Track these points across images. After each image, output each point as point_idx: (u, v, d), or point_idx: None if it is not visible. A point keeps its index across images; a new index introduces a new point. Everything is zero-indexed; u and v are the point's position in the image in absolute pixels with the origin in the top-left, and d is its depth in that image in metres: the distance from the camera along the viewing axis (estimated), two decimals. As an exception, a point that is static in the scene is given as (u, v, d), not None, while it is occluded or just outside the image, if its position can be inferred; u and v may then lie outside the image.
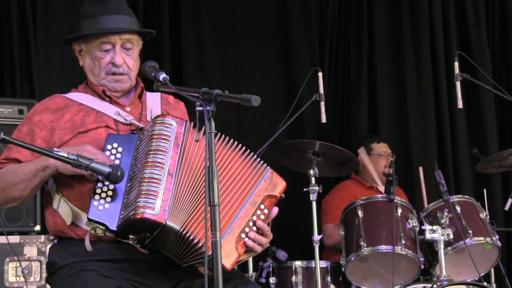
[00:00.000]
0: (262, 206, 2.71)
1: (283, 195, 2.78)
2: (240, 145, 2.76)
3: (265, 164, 2.78)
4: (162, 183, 2.56)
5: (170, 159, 2.61)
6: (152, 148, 2.63)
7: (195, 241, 2.55)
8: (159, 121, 2.70)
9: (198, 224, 2.57)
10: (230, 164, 2.71)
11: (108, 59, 2.84)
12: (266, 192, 2.74)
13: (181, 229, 2.55)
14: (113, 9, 2.84)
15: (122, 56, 2.84)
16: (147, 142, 2.66)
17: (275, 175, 2.78)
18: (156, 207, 2.51)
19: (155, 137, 2.65)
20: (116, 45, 2.83)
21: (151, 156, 2.61)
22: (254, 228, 2.68)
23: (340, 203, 4.91)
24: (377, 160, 5.23)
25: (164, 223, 2.52)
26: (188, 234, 2.55)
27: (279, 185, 2.77)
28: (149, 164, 2.59)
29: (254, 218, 2.69)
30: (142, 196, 2.53)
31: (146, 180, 2.56)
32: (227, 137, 2.74)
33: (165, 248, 2.63)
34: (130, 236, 2.58)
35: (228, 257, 2.59)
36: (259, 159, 2.77)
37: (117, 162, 2.66)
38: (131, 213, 2.53)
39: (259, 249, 2.70)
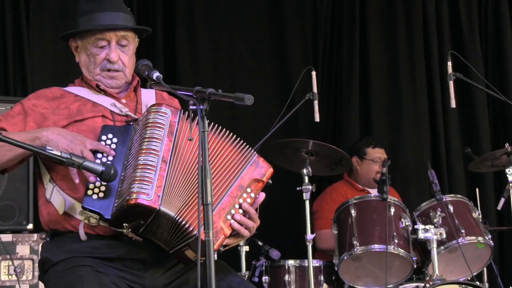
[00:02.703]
0: (249, 190, 2.72)
1: (270, 181, 2.79)
2: (227, 131, 2.76)
3: (252, 150, 2.79)
4: (156, 169, 2.57)
5: (164, 146, 2.63)
6: (147, 136, 2.64)
7: (188, 226, 2.56)
8: (153, 110, 2.71)
9: (191, 210, 2.58)
10: (216, 149, 2.71)
11: (103, 56, 2.85)
12: (252, 177, 2.74)
13: (175, 215, 2.55)
14: (110, 6, 2.86)
15: (117, 52, 2.85)
16: (142, 130, 2.68)
17: (262, 160, 2.79)
18: (150, 192, 2.52)
19: (149, 125, 2.66)
20: (112, 42, 2.84)
21: (145, 144, 2.62)
22: (240, 211, 2.69)
23: (333, 205, 4.91)
24: (369, 165, 5.23)
25: (158, 208, 2.53)
26: (181, 220, 2.56)
27: (266, 170, 2.78)
28: (143, 151, 2.61)
29: (240, 200, 2.69)
30: (136, 182, 2.54)
31: (140, 167, 2.57)
32: (215, 124, 2.74)
33: (157, 236, 2.64)
34: (124, 224, 2.58)
35: (214, 237, 2.58)
36: (245, 144, 2.78)
37: (112, 153, 2.67)
38: (125, 199, 2.53)
39: (245, 232, 2.69)
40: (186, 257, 2.64)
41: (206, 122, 2.46)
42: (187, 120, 2.72)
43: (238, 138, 2.77)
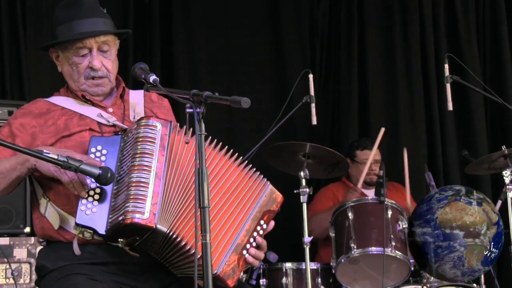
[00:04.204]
0: (262, 222, 2.75)
1: (279, 209, 2.82)
2: (236, 154, 2.78)
3: (265, 179, 2.82)
4: (150, 186, 2.56)
5: (157, 162, 2.60)
6: (138, 151, 2.61)
7: (183, 243, 2.56)
8: (143, 124, 2.68)
9: (188, 225, 2.58)
10: (230, 175, 2.73)
11: (86, 64, 2.82)
12: (265, 208, 2.77)
13: (170, 232, 2.55)
14: (86, 13, 2.82)
15: (100, 59, 2.82)
16: (133, 145, 2.65)
17: (274, 190, 2.82)
18: (145, 211, 2.51)
19: (140, 139, 2.64)
20: (93, 49, 2.81)
21: (137, 160, 2.60)
22: (254, 244, 2.72)
23: (321, 197, 4.95)
24: (358, 167, 5.24)
25: (154, 227, 2.52)
26: (175, 237, 2.55)
27: (278, 200, 2.81)
28: (135, 168, 2.58)
29: (255, 234, 2.72)
30: (131, 201, 2.52)
31: (134, 184, 2.55)
32: (226, 147, 2.76)
33: (154, 250, 2.63)
34: (119, 239, 2.57)
35: (232, 277, 2.62)
36: (258, 172, 2.80)
37: (102, 165, 2.64)
38: (120, 218, 2.52)
39: (257, 263, 2.74)
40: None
41: (203, 125, 2.46)
42: (180, 131, 2.71)
43: (246, 161, 2.79)
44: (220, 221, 2.65)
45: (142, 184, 2.55)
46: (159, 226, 2.52)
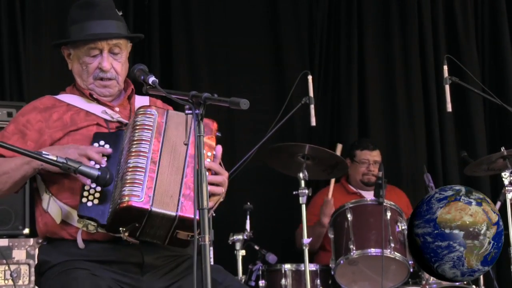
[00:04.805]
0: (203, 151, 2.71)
1: (218, 133, 2.78)
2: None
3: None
4: (145, 171, 2.59)
5: (153, 147, 2.64)
6: (135, 138, 2.65)
7: (184, 221, 2.58)
8: (141, 112, 2.72)
9: (184, 205, 2.60)
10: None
11: (95, 65, 2.85)
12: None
13: (168, 212, 2.57)
14: (101, 14, 2.85)
15: (110, 61, 2.85)
16: (130, 133, 2.69)
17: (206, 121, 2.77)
18: (141, 194, 2.55)
19: (137, 127, 2.68)
20: (104, 51, 2.84)
21: (134, 146, 2.64)
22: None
23: (311, 208, 4.92)
24: (357, 167, 5.24)
25: (149, 209, 2.55)
26: (174, 217, 2.58)
27: (209, 125, 2.75)
28: (132, 154, 2.62)
29: None
30: (127, 185, 2.56)
31: (130, 170, 2.59)
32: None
33: (155, 236, 2.64)
34: (120, 228, 2.59)
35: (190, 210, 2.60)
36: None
37: (104, 159, 2.68)
38: (117, 203, 2.55)
39: (219, 189, 2.70)
40: (181, 240, 2.65)
41: (202, 126, 2.47)
42: (179, 114, 2.72)
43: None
44: (166, 179, 2.62)
45: (138, 169, 2.59)
46: (154, 209, 2.56)
